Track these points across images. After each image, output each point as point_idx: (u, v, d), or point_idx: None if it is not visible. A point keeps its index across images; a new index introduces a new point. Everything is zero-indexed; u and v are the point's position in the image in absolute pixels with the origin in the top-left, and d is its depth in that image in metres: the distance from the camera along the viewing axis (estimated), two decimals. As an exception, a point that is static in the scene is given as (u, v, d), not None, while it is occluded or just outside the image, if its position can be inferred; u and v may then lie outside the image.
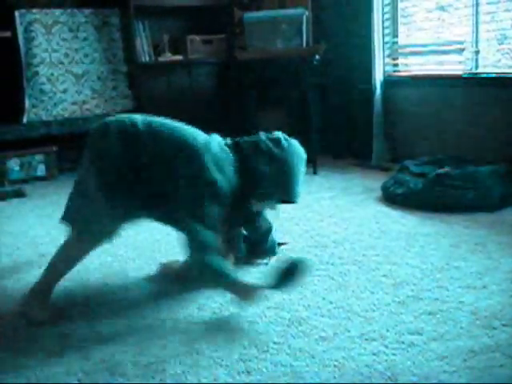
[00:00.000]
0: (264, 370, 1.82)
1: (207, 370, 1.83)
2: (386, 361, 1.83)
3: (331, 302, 2.28)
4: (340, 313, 2.19)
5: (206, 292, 2.41)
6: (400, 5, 4.74)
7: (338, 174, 4.56)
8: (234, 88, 5.47)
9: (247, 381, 1.77)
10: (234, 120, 5.30)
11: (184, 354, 1.94)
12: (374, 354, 1.87)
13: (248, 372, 1.81)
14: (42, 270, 2.32)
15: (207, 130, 2.43)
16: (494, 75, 4.03)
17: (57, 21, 4.97)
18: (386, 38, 4.81)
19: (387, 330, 2.02)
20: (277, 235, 2.84)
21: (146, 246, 3.07)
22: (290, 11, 4.74)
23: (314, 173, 4.56)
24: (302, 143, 2.51)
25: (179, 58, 5.33)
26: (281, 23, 4.70)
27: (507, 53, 4.06)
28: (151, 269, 2.70)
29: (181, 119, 2.41)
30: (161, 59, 5.28)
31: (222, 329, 2.12)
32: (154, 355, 1.94)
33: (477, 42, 4.18)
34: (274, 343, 1.98)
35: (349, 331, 2.04)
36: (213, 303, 2.32)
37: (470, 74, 4.19)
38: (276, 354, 1.91)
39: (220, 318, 2.21)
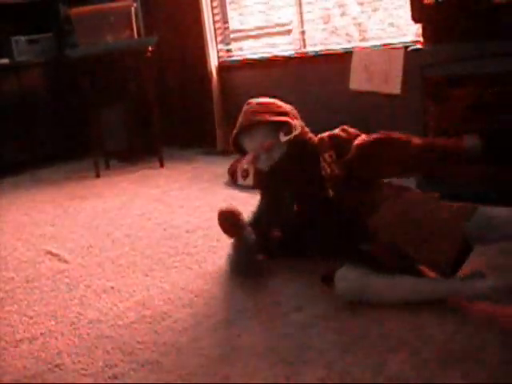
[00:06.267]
0: (131, 372, 1.79)
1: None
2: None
3: (191, 292, 2.29)
4: (200, 301, 2.21)
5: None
6: (227, -10, 4.82)
7: (185, 165, 4.56)
8: (69, 88, 5.25)
9: (114, 387, 1.73)
10: (73, 121, 5.08)
11: (46, 371, 1.86)
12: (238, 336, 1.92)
13: (115, 377, 1.78)
14: None
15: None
16: (321, 53, 4.22)
17: None
18: (217, 24, 4.86)
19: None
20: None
21: None
22: (118, 3, 4.63)
23: (161, 166, 4.53)
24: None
25: (5, 61, 5.02)
26: (109, 16, 4.58)
27: (333, 31, 4.27)
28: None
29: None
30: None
31: (81, 337, 2.05)
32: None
33: (302, 22, 4.36)
34: (138, 342, 1.96)
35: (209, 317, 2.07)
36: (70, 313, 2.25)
37: (299, 53, 4.36)
38: (141, 354, 1.89)
39: (79, 327, 2.13)
